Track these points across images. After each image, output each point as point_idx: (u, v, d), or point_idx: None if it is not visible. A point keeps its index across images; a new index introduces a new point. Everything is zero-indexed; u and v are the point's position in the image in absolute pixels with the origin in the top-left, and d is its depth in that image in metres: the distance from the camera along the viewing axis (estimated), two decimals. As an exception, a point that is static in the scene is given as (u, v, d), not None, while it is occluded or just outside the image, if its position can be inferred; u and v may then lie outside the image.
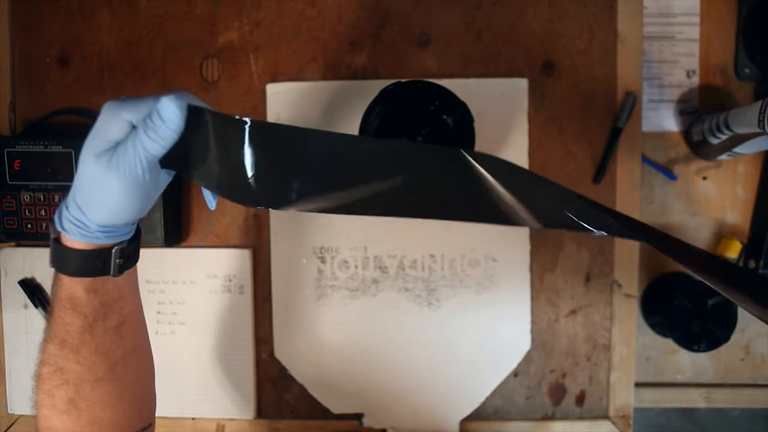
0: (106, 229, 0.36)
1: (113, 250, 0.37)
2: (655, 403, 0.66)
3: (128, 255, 0.39)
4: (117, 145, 0.35)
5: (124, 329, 0.40)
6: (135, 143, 0.34)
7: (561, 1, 0.60)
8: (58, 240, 0.37)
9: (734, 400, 0.67)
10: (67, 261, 0.37)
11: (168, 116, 0.34)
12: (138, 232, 0.41)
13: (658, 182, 0.66)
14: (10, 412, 0.63)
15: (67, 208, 0.37)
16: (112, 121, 0.35)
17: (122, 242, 0.38)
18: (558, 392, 0.62)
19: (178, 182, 0.61)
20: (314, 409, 0.62)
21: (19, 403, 0.62)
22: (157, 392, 0.46)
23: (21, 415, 0.63)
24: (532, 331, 0.61)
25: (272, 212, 0.61)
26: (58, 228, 0.37)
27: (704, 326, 0.61)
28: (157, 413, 0.62)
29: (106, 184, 0.34)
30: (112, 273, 0.38)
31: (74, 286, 0.37)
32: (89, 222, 0.36)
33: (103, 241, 0.37)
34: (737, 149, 0.59)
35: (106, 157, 0.34)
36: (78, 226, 0.36)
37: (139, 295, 0.43)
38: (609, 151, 0.60)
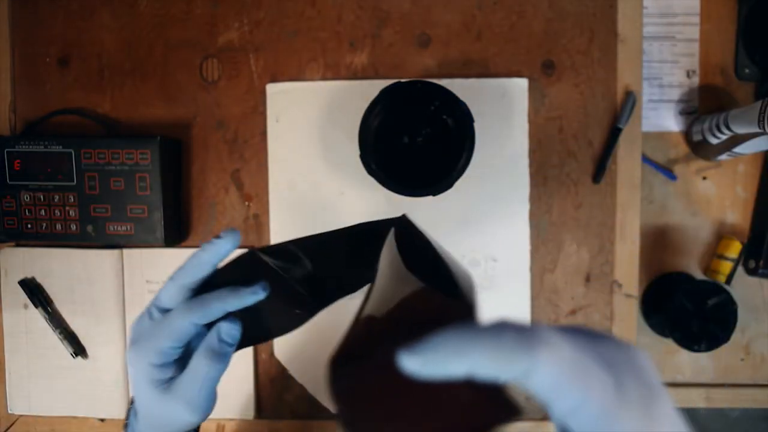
0: None
1: None
2: (655, 403, 0.66)
3: None
4: (173, 367, 0.35)
5: None
6: (200, 372, 0.34)
7: (561, 1, 0.60)
8: None
9: (734, 400, 0.67)
10: None
11: (230, 337, 0.35)
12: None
13: (658, 182, 0.66)
14: (9, 412, 0.63)
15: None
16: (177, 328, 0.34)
17: None
18: (558, 392, 0.62)
19: (178, 182, 0.61)
20: (314, 409, 0.62)
21: (19, 403, 0.62)
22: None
23: (21, 415, 0.63)
24: (532, 331, 0.61)
25: (272, 212, 0.61)
26: None
27: (704, 326, 0.61)
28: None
29: (173, 412, 0.35)
30: None
31: None
32: None
33: None
34: (737, 149, 0.59)
35: (163, 385, 0.34)
36: None
37: None
38: (609, 151, 0.60)
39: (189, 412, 0.34)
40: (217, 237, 0.35)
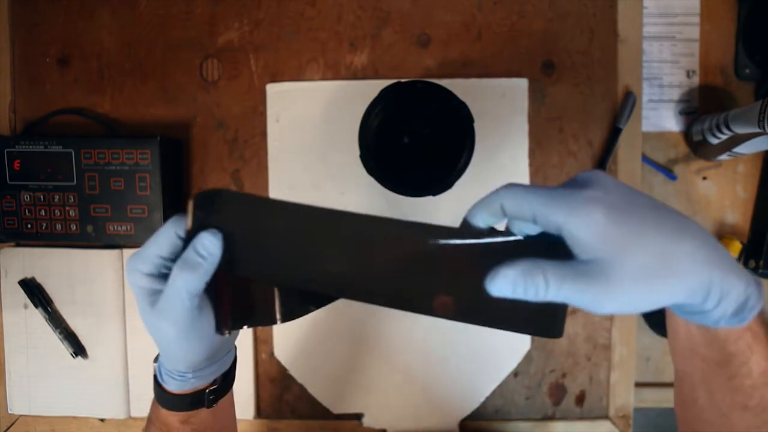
0: (195, 374, 0.36)
1: (206, 391, 0.38)
2: (655, 403, 0.66)
3: (222, 389, 0.39)
4: (163, 281, 0.34)
5: None
6: (174, 284, 0.32)
7: (561, 1, 0.60)
8: (159, 384, 0.38)
9: (734, 400, 0.67)
10: (164, 399, 0.38)
11: (208, 251, 0.32)
12: (234, 361, 0.41)
13: (658, 182, 0.66)
14: (10, 412, 0.63)
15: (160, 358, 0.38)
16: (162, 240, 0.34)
17: (215, 380, 0.39)
18: (558, 392, 0.62)
19: (178, 182, 0.61)
20: (314, 409, 0.62)
21: (19, 403, 0.62)
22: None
23: (21, 415, 0.63)
24: (532, 331, 0.61)
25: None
26: (159, 379, 0.38)
27: (704, 326, 0.61)
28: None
29: (162, 330, 0.34)
30: (206, 406, 0.38)
31: (169, 417, 0.38)
32: (175, 370, 0.36)
33: (197, 384, 0.37)
34: (737, 149, 0.59)
35: (151, 302, 0.34)
36: (170, 376, 0.37)
37: (233, 409, 0.44)
38: (609, 151, 0.60)
39: (173, 328, 0.33)
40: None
